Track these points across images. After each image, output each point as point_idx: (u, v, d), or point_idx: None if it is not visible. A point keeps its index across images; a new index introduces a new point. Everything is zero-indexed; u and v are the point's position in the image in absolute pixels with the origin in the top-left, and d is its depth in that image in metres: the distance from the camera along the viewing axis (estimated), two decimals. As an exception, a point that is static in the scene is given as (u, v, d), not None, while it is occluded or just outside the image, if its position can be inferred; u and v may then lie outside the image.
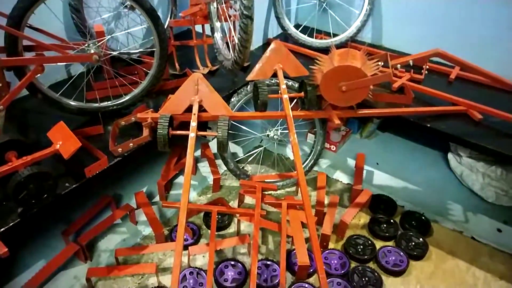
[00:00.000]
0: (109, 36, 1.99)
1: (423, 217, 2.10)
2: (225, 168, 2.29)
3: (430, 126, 1.95)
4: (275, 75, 1.96)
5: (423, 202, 2.24)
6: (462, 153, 2.35)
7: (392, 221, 2.07)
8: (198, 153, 2.53)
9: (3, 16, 1.63)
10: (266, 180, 2.26)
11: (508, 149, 1.78)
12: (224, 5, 1.95)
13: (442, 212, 2.20)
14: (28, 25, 1.61)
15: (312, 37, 2.66)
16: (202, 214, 2.13)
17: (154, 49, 1.88)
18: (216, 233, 1.94)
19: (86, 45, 1.75)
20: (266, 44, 2.71)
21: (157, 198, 2.23)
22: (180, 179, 2.36)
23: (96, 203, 2.04)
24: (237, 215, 2.03)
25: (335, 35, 2.65)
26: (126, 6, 2.18)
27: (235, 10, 2.02)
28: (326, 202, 2.14)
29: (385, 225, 2.05)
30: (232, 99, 2.13)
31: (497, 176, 2.22)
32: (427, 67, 2.28)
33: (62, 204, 1.55)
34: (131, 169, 2.35)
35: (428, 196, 2.30)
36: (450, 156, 2.43)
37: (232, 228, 2.08)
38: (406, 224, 2.08)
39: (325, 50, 2.51)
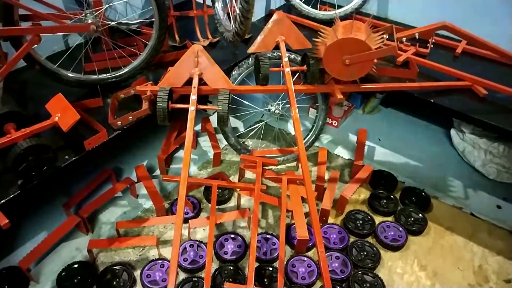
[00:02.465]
0: (107, 6, 1.93)
1: (423, 193, 2.10)
2: (226, 143, 2.27)
3: (434, 102, 1.92)
4: (277, 47, 1.92)
5: (424, 178, 2.23)
6: (465, 129, 2.32)
7: (392, 196, 2.08)
8: (198, 127, 2.51)
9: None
10: (266, 155, 2.24)
11: (512, 125, 1.76)
12: (225, -27, 1.88)
13: (443, 188, 2.20)
14: (24, -7, 1.56)
15: (316, 8, 2.58)
16: (202, 188, 2.13)
17: (153, 19, 1.83)
18: (217, 207, 1.94)
19: (83, 14, 1.70)
20: (269, 15, 2.64)
21: (157, 172, 2.23)
22: (181, 153, 2.35)
23: (97, 176, 2.04)
24: (238, 189, 2.03)
25: (339, 6, 2.57)
26: (124, -26, 2.11)
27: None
28: (326, 177, 2.14)
29: (385, 201, 2.06)
30: (233, 72, 2.09)
31: (499, 152, 2.20)
32: (433, 40, 2.22)
33: (63, 177, 1.56)
34: (131, 142, 2.35)
35: (429, 172, 2.29)
36: (453, 132, 2.41)
37: (232, 202, 2.09)
38: (406, 200, 2.08)
39: (329, 22, 2.45)
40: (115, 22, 1.95)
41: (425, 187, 2.14)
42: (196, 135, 2.48)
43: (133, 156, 2.29)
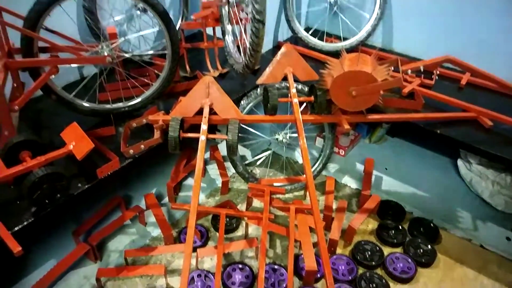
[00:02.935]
0: (123, 39, 2.01)
1: (432, 224, 2.09)
2: (234, 171, 2.29)
3: (440, 133, 1.94)
4: (285, 78, 1.97)
5: (432, 209, 2.23)
6: (472, 160, 2.33)
7: (400, 227, 2.07)
8: (207, 155, 2.55)
9: (19, 18, 1.66)
10: (274, 184, 2.26)
11: (519, 157, 1.78)
12: (235, 8, 1.96)
13: (451, 219, 2.18)
14: (43, 27, 1.63)
15: (322, 41, 2.66)
16: (210, 216, 2.13)
17: (165, 51, 1.90)
18: (224, 236, 1.94)
19: (100, 47, 1.77)
20: (277, 47, 2.72)
21: (166, 200, 2.24)
22: (189, 181, 2.37)
23: (107, 203, 2.05)
24: (245, 218, 2.04)
25: (345, 38, 2.65)
26: (138, 9, 2.20)
27: (246, 14, 2.04)
28: (334, 207, 2.14)
29: (393, 231, 2.05)
30: (242, 102, 2.14)
31: (507, 183, 2.20)
32: (438, 72, 2.28)
33: (74, 204, 1.58)
34: (140, 170, 2.37)
35: (437, 202, 2.29)
36: (459, 162, 2.42)
37: (240, 231, 2.09)
38: (414, 230, 2.07)
39: (335, 54, 2.52)
40: (130, 55, 2.02)
41: (433, 218, 2.14)
42: (205, 163, 2.50)
43: (142, 183, 2.31)
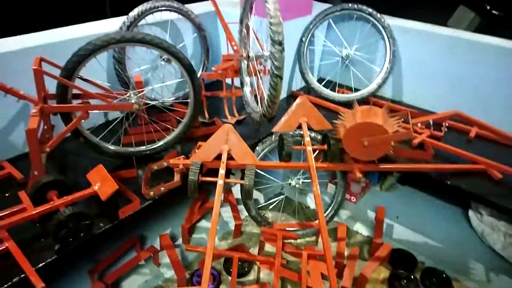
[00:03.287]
0: (149, 88, 2.16)
1: (444, 275, 2.09)
2: (246, 214, 2.34)
3: (450, 183, 1.99)
4: (299, 127, 2.07)
5: (444, 259, 2.22)
6: (483, 211, 2.35)
7: (412, 277, 2.07)
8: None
9: (56, 67, 1.81)
10: (287, 229, 2.30)
11: (530, 210, 1.81)
12: (254, 61, 2.10)
13: (463, 270, 2.18)
14: (78, 76, 1.77)
15: (334, 91, 2.79)
16: (222, 259, 2.16)
17: (185, 98, 2.02)
18: (236, 279, 1.96)
19: (128, 95, 1.90)
20: (290, 96, 2.85)
21: (179, 241, 2.29)
22: (203, 223, 2.42)
23: (123, 243, 2.10)
24: (258, 262, 2.06)
25: (356, 90, 2.78)
26: (163, 59, 2.36)
27: (264, 66, 2.18)
28: (346, 254, 2.15)
29: (405, 281, 2.05)
30: (257, 148, 2.23)
31: (519, 236, 2.21)
32: (447, 124, 2.36)
33: (95, 243, 1.63)
34: (157, 210, 2.44)
35: (449, 253, 2.29)
36: (471, 213, 2.43)
37: (252, 275, 2.10)
38: (426, 281, 2.07)
39: (347, 104, 2.64)
40: (155, 102, 2.15)
41: (445, 268, 2.13)
42: (218, 205, 2.56)
43: (157, 223, 2.37)
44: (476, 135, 2.34)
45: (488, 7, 5.47)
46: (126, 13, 2.26)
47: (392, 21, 2.66)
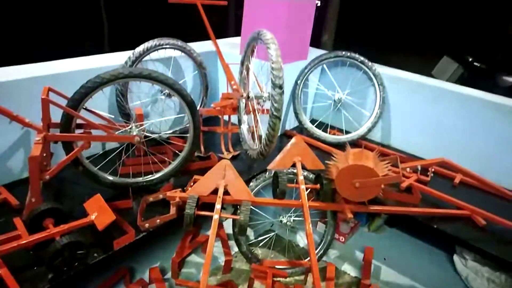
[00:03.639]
0: (151, 121, 2.22)
1: (430, 318, 2.11)
2: (236, 250, 2.35)
3: (436, 227, 2.06)
4: (293, 165, 2.14)
5: (430, 303, 2.25)
6: (468, 256, 2.42)
7: (399, 319, 2.08)
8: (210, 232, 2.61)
9: (63, 97, 1.87)
10: (276, 266, 2.31)
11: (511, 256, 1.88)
12: (253, 101, 2.19)
13: (449, 314, 2.21)
14: (84, 107, 1.83)
15: (326, 132, 2.89)
16: (211, 295, 2.15)
17: (182, 132, 2.08)
18: (225, 316, 1.95)
19: (129, 127, 1.96)
20: (284, 135, 2.94)
21: (169, 275, 2.27)
22: (193, 257, 2.41)
23: (113, 275, 2.08)
24: (247, 299, 2.06)
25: (347, 132, 2.89)
26: (164, 94, 2.44)
27: (261, 106, 2.27)
28: (334, 294, 2.17)
29: (392, 324, 2.06)
30: (251, 184, 2.28)
31: (502, 282, 2.26)
32: (433, 170, 2.47)
33: (88, 273, 1.63)
34: (147, 242, 2.43)
35: (434, 296, 2.32)
36: (455, 258, 2.49)
37: (240, 313, 2.09)
38: (413, 324, 2.08)
39: (338, 145, 2.74)
40: (156, 135, 2.21)
41: (431, 312, 2.16)
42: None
43: (147, 256, 2.35)
44: (461, 182, 2.45)
45: (470, 59, 5.80)
46: (122, 42, 2.34)
47: (383, 70, 2.83)
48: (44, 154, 1.88)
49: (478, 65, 5.77)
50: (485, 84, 5.42)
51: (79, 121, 1.86)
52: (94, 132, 1.92)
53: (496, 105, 2.44)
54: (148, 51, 2.33)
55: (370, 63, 2.78)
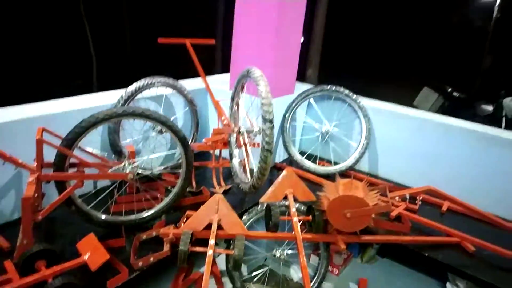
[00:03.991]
0: (145, 158, 2.25)
1: None
2: (230, 286, 2.32)
3: (428, 255, 2.09)
4: (285, 197, 2.17)
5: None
6: (460, 283, 2.43)
7: None
8: (203, 268, 2.58)
9: (57, 137, 1.89)
10: (271, 301, 2.28)
11: (503, 282, 1.90)
12: (244, 135, 2.25)
13: None
14: (78, 146, 1.85)
15: (315, 164, 2.95)
16: (206, 334, 2.10)
17: (173, 168, 2.10)
18: None
19: (122, 164, 1.98)
20: (274, 167, 2.98)
21: (161, 314, 2.22)
22: (186, 295, 2.36)
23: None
24: (243, 337, 2.02)
25: (336, 163, 2.95)
26: (155, 130, 2.48)
27: (251, 140, 2.32)
28: (331, 327, 2.15)
29: None
30: (244, 218, 2.29)
31: (496, 308, 2.28)
32: (421, 198, 2.52)
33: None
34: (139, 281, 2.38)
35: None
36: (448, 286, 2.51)
37: None
38: None
39: (327, 176, 2.79)
40: (149, 172, 2.23)
41: None
42: (202, 275, 2.52)
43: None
44: (448, 209, 2.51)
45: (449, 89, 6.05)
46: (111, 82, 2.40)
47: (367, 102, 2.94)
48: (36, 195, 1.88)
49: (457, 94, 6.01)
50: (466, 112, 5.65)
51: (72, 160, 1.88)
52: (87, 170, 1.93)
53: (477, 134, 2.55)
54: (140, 89, 2.39)
55: (354, 96, 2.89)
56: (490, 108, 5.56)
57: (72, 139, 1.78)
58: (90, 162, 1.89)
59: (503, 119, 5.43)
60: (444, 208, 2.49)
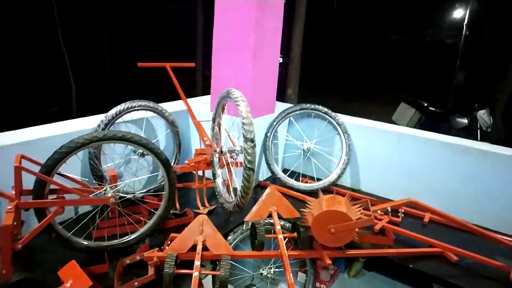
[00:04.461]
0: (126, 182, 2.23)
1: None
2: (218, 309, 2.29)
3: (412, 267, 2.12)
4: (269, 216, 2.17)
5: None
6: (446, 293, 2.46)
7: None
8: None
9: (36, 164, 1.86)
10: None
11: (487, 290, 1.95)
12: (227, 155, 2.26)
13: None
14: (58, 172, 1.83)
15: (298, 181, 2.98)
16: None
17: (156, 191, 2.08)
18: None
19: (104, 189, 1.96)
20: (258, 186, 2.99)
21: None
22: (172, 321, 2.31)
23: None
24: None
25: (318, 179, 2.99)
26: (137, 153, 2.47)
27: (234, 159, 2.34)
28: None
29: None
30: (229, 238, 2.28)
31: (482, 317, 2.30)
32: (403, 211, 2.57)
33: None
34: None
35: None
36: (434, 296, 2.53)
37: None
38: None
39: (310, 193, 2.82)
40: (131, 195, 2.20)
41: None
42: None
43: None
44: (430, 220, 2.55)
45: (425, 104, 6.24)
46: (91, 107, 2.40)
47: (345, 119, 3.01)
48: (15, 223, 1.84)
49: (433, 109, 6.21)
50: (442, 126, 5.82)
51: (52, 186, 1.85)
52: (68, 196, 1.90)
53: (453, 146, 2.63)
54: (120, 113, 2.39)
55: (333, 114, 2.95)
56: (465, 121, 5.76)
57: (52, 165, 1.76)
58: (71, 187, 1.87)
59: (478, 131, 5.63)
60: (426, 219, 2.54)
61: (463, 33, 8.63)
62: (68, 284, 1.61)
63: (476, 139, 4.15)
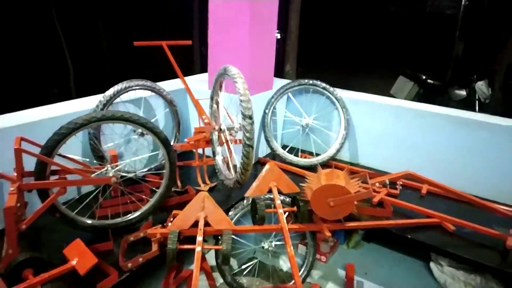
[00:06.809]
0: (127, 161, 2.24)
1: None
2: (221, 281, 2.35)
3: (410, 237, 2.16)
4: (269, 191, 2.20)
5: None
6: (443, 262, 2.52)
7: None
8: (193, 266, 2.60)
9: (36, 146, 1.88)
10: (262, 293, 2.32)
11: (483, 258, 1.99)
12: (226, 133, 2.27)
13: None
14: (58, 153, 1.84)
15: (298, 156, 3.00)
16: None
17: (157, 169, 2.10)
18: None
19: (105, 168, 1.98)
20: (258, 162, 3.02)
21: (154, 315, 2.23)
22: (177, 294, 2.38)
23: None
24: (236, 330, 2.05)
25: (317, 154, 3.01)
26: (137, 133, 2.48)
27: (234, 137, 2.35)
28: (321, 314, 2.20)
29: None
30: (230, 213, 2.32)
31: (477, 284, 2.37)
32: (401, 183, 2.60)
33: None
34: (131, 283, 2.38)
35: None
36: (432, 265, 2.59)
37: None
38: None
39: (310, 168, 2.84)
40: (132, 174, 2.23)
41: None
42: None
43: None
44: (427, 192, 2.59)
45: (424, 77, 6.19)
46: (89, 88, 2.39)
47: (344, 93, 3.00)
48: (19, 204, 1.87)
49: (432, 82, 6.16)
50: (441, 98, 5.80)
51: (53, 167, 1.87)
52: (70, 177, 1.92)
53: (451, 118, 2.64)
54: (118, 93, 2.38)
55: (331, 89, 2.94)
56: (463, 93, 5.73)
57: (52, 146, 1.77)
58: (72, 168, 1.88)
59: (476, 103, 5.61)
60: (424, 191, 2.58)
61: (463, 2, 8.48)
62: (74, 262, 1.65)
63: (474, 111, 4.16)
